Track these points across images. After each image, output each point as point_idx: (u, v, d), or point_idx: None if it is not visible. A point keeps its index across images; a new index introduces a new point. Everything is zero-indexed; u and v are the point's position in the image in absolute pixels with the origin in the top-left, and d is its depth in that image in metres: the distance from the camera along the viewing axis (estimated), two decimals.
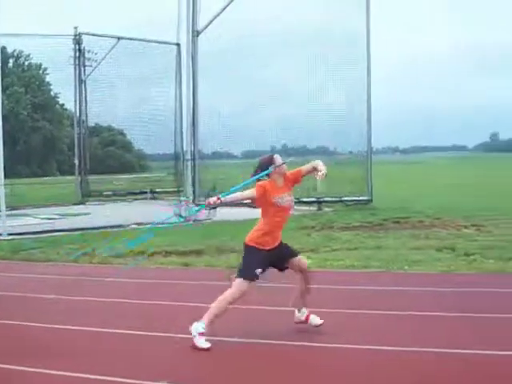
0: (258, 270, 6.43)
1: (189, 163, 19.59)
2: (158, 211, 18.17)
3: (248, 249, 6.57)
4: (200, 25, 19.51)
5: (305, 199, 20.52)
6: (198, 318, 6.32)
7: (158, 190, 28.75)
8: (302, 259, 6.90)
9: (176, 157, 28.38)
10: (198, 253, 12.75)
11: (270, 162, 6.65)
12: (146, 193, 28.63)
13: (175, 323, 7.06)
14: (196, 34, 19.44)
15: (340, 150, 24.69)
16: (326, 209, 21.02)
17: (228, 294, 6.38)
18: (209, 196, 18.66)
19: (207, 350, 6.14)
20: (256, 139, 22.82)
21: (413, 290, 9.01)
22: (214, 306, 6.35)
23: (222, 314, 6.37)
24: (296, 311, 6.93)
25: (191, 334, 6.27)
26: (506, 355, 5.87)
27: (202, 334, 6.23)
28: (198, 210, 17.20)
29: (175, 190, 26.94)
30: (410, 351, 6.06)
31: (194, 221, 18.27)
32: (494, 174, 47.35)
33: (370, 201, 21.19)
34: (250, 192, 6.57)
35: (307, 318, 6.84)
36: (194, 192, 19.61)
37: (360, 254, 11.88)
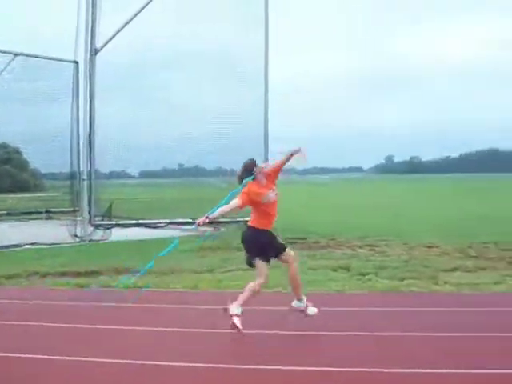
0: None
1: (85, 183, 19.28)
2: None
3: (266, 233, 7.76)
4: (99, 42, 19.29)
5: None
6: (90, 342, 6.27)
7: (53, 209, 27.98)
8: (290, 250, 8.17)
9: (72, 176, 27.80)
10: (94, 273, 12.54)
11: (253, 165, 7.70)
12: (41, 212, 27.91)
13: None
14: (94, 51, 19.21)
15: (237, 169, 24.91)
16: (223, 229, 21.04)
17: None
18: (105, 217, 18.36)
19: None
20: (154, 159, 22.69)
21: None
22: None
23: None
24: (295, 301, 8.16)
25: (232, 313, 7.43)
26: (394, 373, 6.12)
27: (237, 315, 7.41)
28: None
29: (71, 209, 26.40)
30: (293, 370, 6.26)
31: (90, 241, 18.03)
32: (388, 194, 49.01)
33: None
34: (235, 202, 7.50)
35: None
36: (90, 212, 19.27)
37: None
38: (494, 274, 11.77)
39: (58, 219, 24.37)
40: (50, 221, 23.27)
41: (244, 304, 7.64)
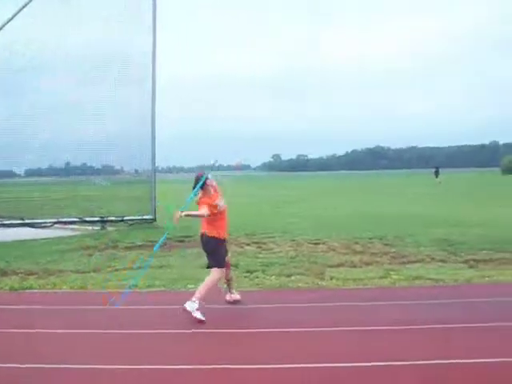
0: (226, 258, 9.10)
1: None
2: None
3: (221, 242, 8.95)
4: None
5: (87, 218, 20.16)
6: None
7: None
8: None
9: None
10: None
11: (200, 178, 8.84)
12: None
13: None
14: None
15: (126, 168, 24.59)
16: (110, 228, 20.77)
17: (211, 279, 8.66)
18: None
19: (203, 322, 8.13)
20: (40, 158, 22.04)
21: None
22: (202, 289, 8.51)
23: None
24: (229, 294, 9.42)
25: (188, 309, 8.24)
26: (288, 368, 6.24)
27: (197, 309, 8.24)
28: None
29: None
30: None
31: None
32: (275, 192, 49.65)
33: (154, 220, 21.24)
34: (205, 211, 8.62)
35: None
36: None
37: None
38: (379, 269, 12.16)
39: None
40: None
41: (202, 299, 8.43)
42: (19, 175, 23.35)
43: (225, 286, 9.46)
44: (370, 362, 6.51)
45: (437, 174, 64.21)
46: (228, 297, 9.47)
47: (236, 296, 9.48)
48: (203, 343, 7.47)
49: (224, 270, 8.98)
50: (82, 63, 20.59)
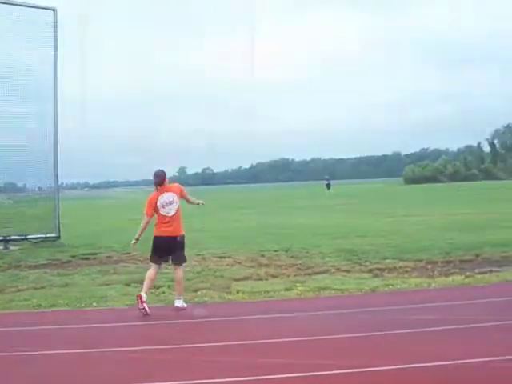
0: None
1: None
2: None
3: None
4: None
5: None
6: None
7: None
8: None
9: None
10: None
11: (165, 176, 9.99)
12: None
13: None
14: None
15: (29, 186, 24.10)
16: (13, 247, 20.23)
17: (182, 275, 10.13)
18: None
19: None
20: None
21: (100, 325, 9.16)
22: (182, 286, 10.07)
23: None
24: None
25: (181, 306, 9.69)
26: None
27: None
28: None
29: None
30: None
31: None
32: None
33: (58, 238, 20.82)
34: (145, 221, 10.00)
35: None
36: None
37: (48, 292, 11.73)
38: (285, 281, 12.33)
39: None
40: None
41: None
42: None
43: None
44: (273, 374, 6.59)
45: (328, 186, 66.47)
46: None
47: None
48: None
49: None
50: None
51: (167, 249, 9.92)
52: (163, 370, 6.81)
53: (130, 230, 24.93)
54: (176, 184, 10.50)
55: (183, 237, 10.07)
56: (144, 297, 9.57)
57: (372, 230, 21.32)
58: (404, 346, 7.59)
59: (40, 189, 24.26)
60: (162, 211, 9.95)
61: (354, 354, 7.26)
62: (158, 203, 9.94)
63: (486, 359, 6.80)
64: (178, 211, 10.03)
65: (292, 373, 6.60)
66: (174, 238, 9.90)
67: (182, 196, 10.21)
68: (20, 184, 23.57)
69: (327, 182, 67.82)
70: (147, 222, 10.01)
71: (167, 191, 10.05)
